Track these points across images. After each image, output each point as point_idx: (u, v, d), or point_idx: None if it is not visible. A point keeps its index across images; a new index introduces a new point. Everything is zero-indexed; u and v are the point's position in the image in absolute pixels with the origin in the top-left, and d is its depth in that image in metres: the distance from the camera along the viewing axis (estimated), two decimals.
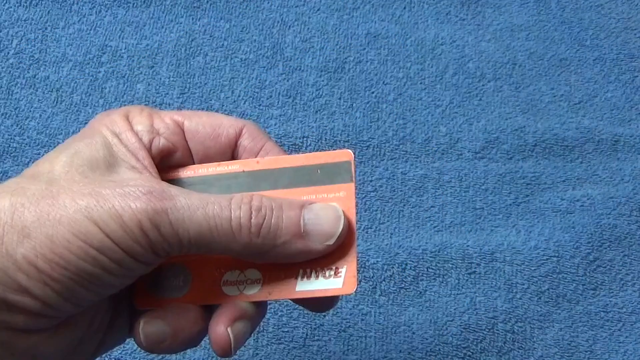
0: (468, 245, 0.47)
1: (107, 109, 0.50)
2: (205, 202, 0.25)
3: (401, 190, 0.49)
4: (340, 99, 0.52)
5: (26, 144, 0.49)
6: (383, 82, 0.53)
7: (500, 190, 0.49)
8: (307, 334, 0.43)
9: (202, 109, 0.51)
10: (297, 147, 0.50)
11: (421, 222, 0.48)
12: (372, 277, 0.45)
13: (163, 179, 0.28)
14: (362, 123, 0.51)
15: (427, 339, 0.44)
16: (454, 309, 0.45)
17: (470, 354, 0.43)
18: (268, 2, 0.56)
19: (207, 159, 0.29)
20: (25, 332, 0.24)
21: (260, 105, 0.51)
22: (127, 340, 0.41)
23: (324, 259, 0.27)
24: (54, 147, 0.48)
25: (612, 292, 0.46)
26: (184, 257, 0.28)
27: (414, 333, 0.44)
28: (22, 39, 0.52)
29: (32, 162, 0.27)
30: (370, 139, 0.51)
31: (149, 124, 0.28)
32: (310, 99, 0.52)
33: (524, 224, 0.48)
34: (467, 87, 0.54)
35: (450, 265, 0.46)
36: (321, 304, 0.29)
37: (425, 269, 0.46)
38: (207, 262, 0.28)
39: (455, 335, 0.44)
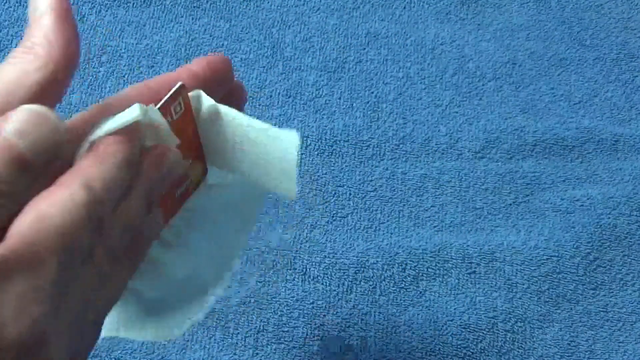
0: (468, 245, 0.47)
1: None
2: None
3: (401, 190, 0.49)
4: (340, 98, 0.52)
5: None
6: (383, 82, 0.53)
7: (500, 190, 0.49)
8: (307, 334, 0.43)
9: None
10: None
11: (421, 222, 0.48)
12: (372, 277, 0.45)
13: None
14: (362, 123, 0.51)
15: (427, 339, 0.44)
16: (454, 309, 0.45)
17: (470, 354, 0.43)
18: (268, 2, 0.56)
19: None
20: None
21: (260, 105, 0.51)
22: (128, 340, 0.41)
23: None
24: None
25: (612, 292, 0.46)
26: None
27: (414, 333, 0.44)
28: (22, 39, 0.52)
29: None
30: (370, 139, 0.51)
31: None
32: (310, 98, 0.52)
33: (524, 224, 0.48)
34: (467, 87, 0.54)
35: (450, 265, 0.46)
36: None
37: (425, 269, 0.46)
38: None
39: (455, 335, 0.44)
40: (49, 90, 0.24)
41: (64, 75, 0.24)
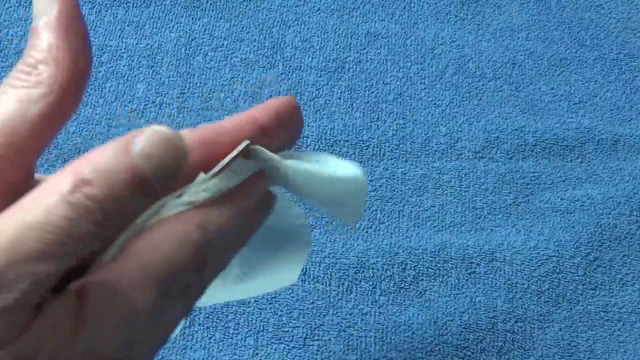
0: (468, 245, 0.47)
1: (107, 108, 0.50)
2: None
3: (401, 190, 0.49)
4: (340, 98, 0.52)
5: None
6: (383, 82, 0.53)
7: (500, 190, 0.49)
8: (307, 334, 0.43)
9: (202, 108, 0.51)
10: (297, 147, 0.50)
11: (421, 222, 0.48)
12: (372, 277, 0.45)
13: None
14: (362, 123, 0.51)
15: (427, 339, 0.44)
16: (454, 309, 0.45)
17: (470, 354, 0.43)
18: (268, 2, 0.56)
19: None
20: None
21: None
22: None
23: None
24: (53, 147, 0.49)
25: (612, 292, 0.46)
26: None
27: (414, 333, 0.44)
28: (22, 39, 0.52)
29: None
30: (370, 139, 0.51)
31: None
32: (310, 98, 0.52)
33: (524, 224, 0.48)
34: (467, 87, 0.54)
35: (450, 265, 0.46)
36: None
37: (425, 269, 0.46)
38: None
39: (455, 335, 0.44)
40: (54, 119, 0.22)
41: (72, 99, 0.22)
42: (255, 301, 0.44)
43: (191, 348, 0.42)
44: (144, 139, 0.20)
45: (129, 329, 0.21)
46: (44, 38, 0.22)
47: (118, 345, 0.20)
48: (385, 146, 0.50)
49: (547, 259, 0.46)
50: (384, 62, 0.54)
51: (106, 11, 0.55)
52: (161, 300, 0.22)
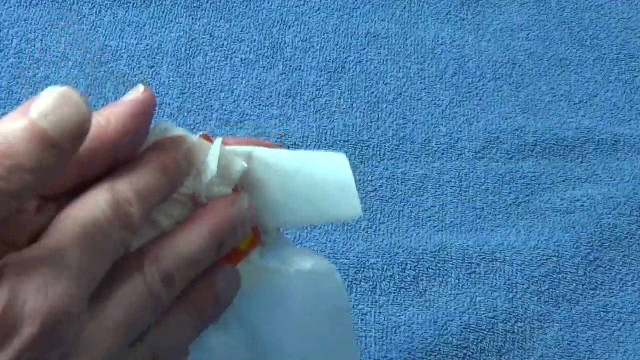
0: (468, 245, 0.47)
1: None
2: None
3: (401, 190, 0.49)
4: (340, 98, 0.52)
5: None
6: (383, 82, 0.53)
7: (500, 190, 0.49)
8: None
9: (202, 108, 0.51)
10: (297, 146, 0.50)
11: (421, 222, 0.48)
12: (372, 277, 0.45)
13: None
14: (362, 123, 0.51)
15: (427, 339, 0.44)
16: (454, 309, 0.45)
17: (470, 353, 0.43)
18: (268, 2, 0.56)
19: None
20: None
21: (260, 105, 0.51)
22: None
23: None
24: None
25: (612, 292, 0.46)
26: None
27: (414, 333, 0.44)
28: (22, 39, 0.52)
29: None
30: (370, 139, 0.51)
31: None
32: (310, 98, 0.52)
33: (524, 224, 0.48)
34: (467, 87, 0.54)
35: (450, 265, 0.46)
36: None
37: (425, 269, 0.46)
38: None
39: (455, 335, 0.44)
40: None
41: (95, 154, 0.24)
42: None
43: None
44: (42, 98, 0.21)
45: (54, 284, 0.21)
46: (114, 107, 0.25)
47: (43, 301, 0.21)
48: (385, 146, 0.50)
49: (547, 259, 0.46)
50: (384, 62, 0.54)
51: (106, 11, 0.55)
52: (90, 255, 0.22)
